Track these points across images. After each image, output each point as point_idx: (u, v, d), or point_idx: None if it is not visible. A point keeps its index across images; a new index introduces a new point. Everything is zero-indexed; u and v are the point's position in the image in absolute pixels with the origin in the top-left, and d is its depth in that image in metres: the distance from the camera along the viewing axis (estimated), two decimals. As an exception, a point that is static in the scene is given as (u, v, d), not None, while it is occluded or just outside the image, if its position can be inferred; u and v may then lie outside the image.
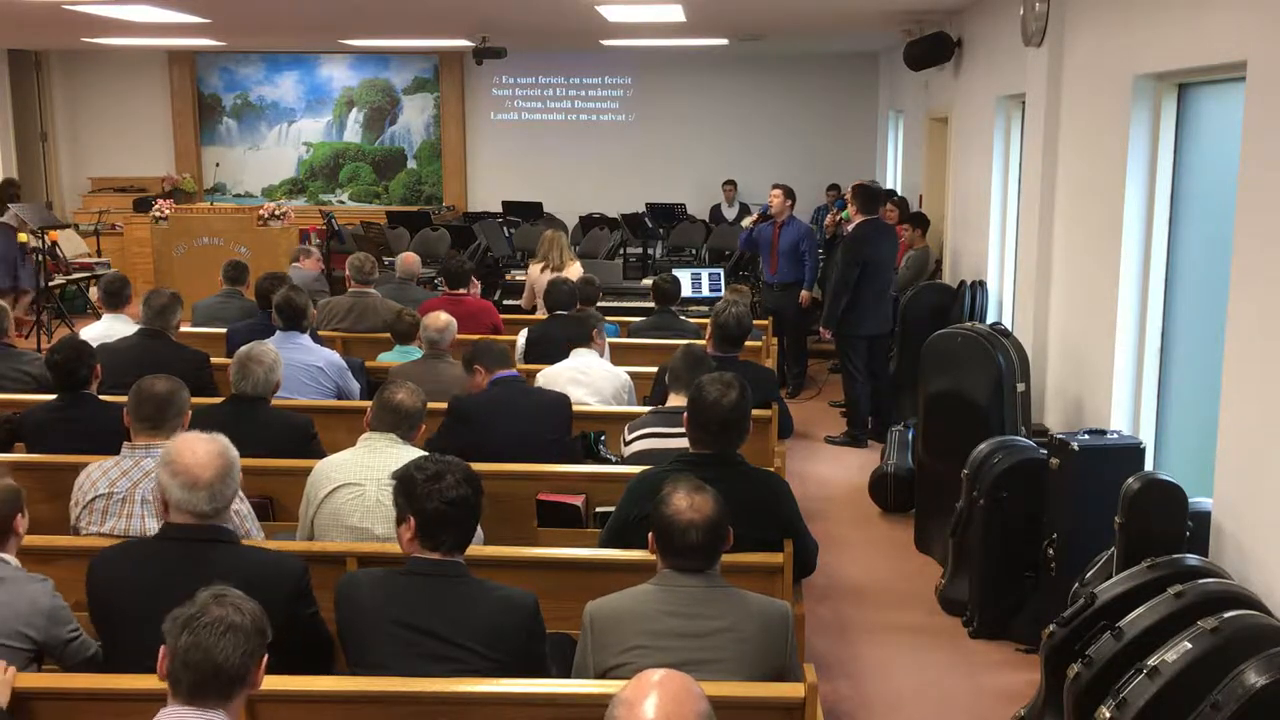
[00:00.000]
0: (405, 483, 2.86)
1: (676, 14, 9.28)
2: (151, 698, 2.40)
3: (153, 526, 3.48)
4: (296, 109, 15.73)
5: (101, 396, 4.66)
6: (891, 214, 9.72)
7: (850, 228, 7.86)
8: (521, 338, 6.44)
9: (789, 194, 8.79)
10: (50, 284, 10.80)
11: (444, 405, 4.85)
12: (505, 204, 14.49)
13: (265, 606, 2.81)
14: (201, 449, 2.98)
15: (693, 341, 4.87)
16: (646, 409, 4.86)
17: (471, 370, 4.84)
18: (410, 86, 15.61)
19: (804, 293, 8.75)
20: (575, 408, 4.87)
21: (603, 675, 2.76)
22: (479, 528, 3.08)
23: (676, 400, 4.38)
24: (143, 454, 3.69)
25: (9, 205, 10.97)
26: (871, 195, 7.91)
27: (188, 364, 5.37)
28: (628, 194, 14.62)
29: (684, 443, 3.73)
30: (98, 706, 2.71)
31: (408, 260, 7.96)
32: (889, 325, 7.95)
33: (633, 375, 5.59)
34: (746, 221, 11.60)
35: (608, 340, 6.33)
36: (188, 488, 2.92)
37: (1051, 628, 3.85)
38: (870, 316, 7.72)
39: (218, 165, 15.74)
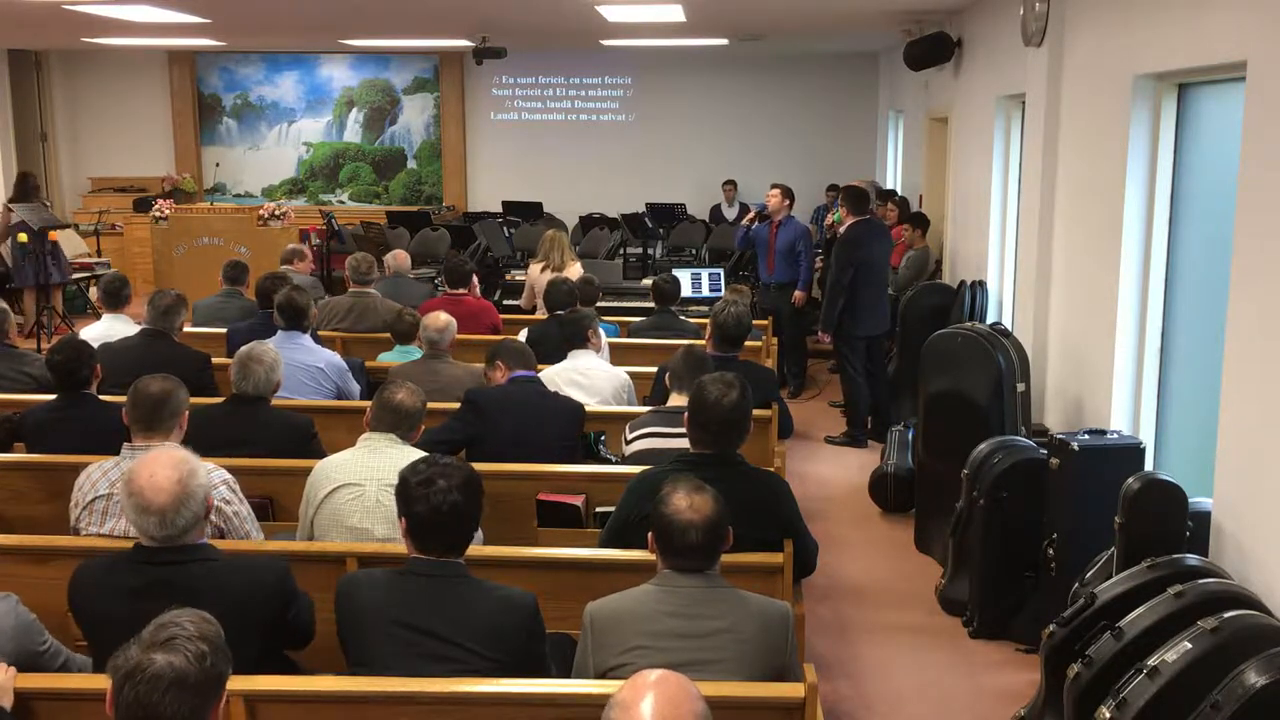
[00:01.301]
0: (401, 484, 2.87)
1: (676, 14, 9.28)
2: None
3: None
4: (296, 109, 15.73)
5: (103, 397, 4.66)
6: (891, 214, 9.74)
7: (841, 230, 7.84)
8: (521, 338, 6.43)
9: (787, 194, 8.78)
10: (50, 282, 10.84)
11: (444, 405, 4.86)
12: (505, 204, 14.50)
13: (253, 625, 2.77)
14: (161, 474, 2.83)
15: (694, 342, 4.88)
16: (646, 409, 4.86)
17: (492, 365, 4.88)
18: (410, 86, 15.62)
19: (798, 293, 8.74)
20: (575, 408, 4.87)
21: (603, 676, 2.76)
22: (479, 528, 3.08)
23: (677, 400, 4.38)
24: (142, 454, 3.68)
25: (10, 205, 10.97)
26: (861, 196, 7.89)
27: (189, 364, 5.37)
28: (628, 194, 14.62)
29: (685, 443, 3.73)
30: (98, 707, 2.70)
31: (400, 257, 8.28)
32: (886, 325, 7.94)
33: (633, 375, 5.59)
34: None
35: (607, 340, 6.33)
36: (139, 510, 2.82)
37: (1051, 628, 3.84)
38: (867, 317, 7.72)
39: (218, 165, 15.74)
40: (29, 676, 2.76)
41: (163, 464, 2.87)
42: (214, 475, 3.65)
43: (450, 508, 2.79)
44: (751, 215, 9.15)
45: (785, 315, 8.81)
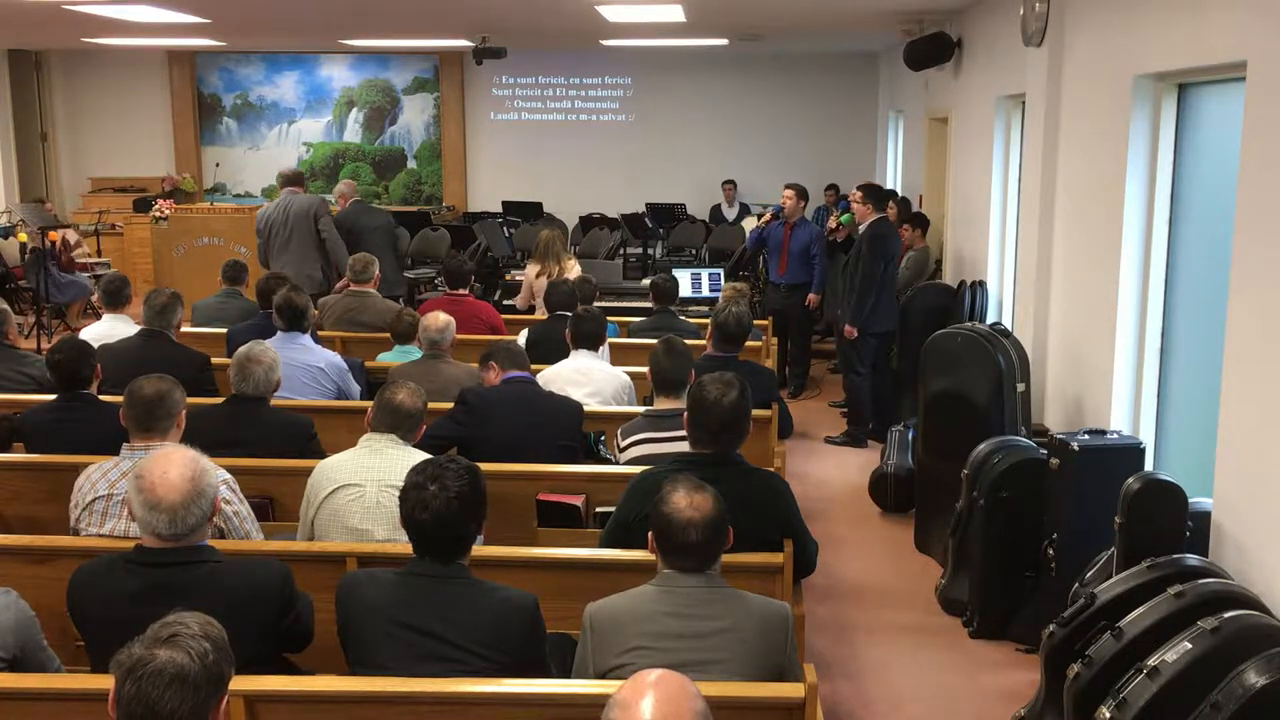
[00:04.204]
0: (403, 486, 2.87)
1: (676, 14, 9.28)
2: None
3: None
4: (296, 109, 15.73)
5: (103, 397, 4.65)
6: (891, 214, 9.72)
7: (863, 226, 7.82)
8: (521, 338, 6.43)
9: (801, 194, 8.77)
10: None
11: (444, 406, 4.86)
12: (505, 204, 14.50)
13: (252, 629, 2.75)
14: (174, 471, 2.82)
15: (668, 335, 4.79)
16: (641, 409, 4.84)
17: (486, 367, 4.87)
18: (410, 86, 15.61)
19: (811, 295, 8.74)
20: (575, 409, 4.86)
21: (603, 676, 2.75)
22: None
23: (663, 402, 4.34)
24: (141, 455, 3.67)
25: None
26: (881, 193, 7.93)
27: (189, 364, 5.37)
28: (628, 194, 14.62)
29: (678, 446, 3.71)
30: (96, 707, 2.70)
31: (349, 184, 9.29)
32: (895, 323, 7.95)
33: (632, 375, 5.57)
34: (748, 222, 11.57)
35: (608, 340, 6.32)
36: (148, 506, 2.79)
37: (1051, 628, 3.85)
38: (883, 313, 7.73)
39: (218, 165, 15.74)
40: (28, 676, 2.76)
41: (175, 462, 2.86)
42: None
43: (439, 514, 2.78)
44: (768, 218, 9.13)
45: (795, 317, 8.81)
